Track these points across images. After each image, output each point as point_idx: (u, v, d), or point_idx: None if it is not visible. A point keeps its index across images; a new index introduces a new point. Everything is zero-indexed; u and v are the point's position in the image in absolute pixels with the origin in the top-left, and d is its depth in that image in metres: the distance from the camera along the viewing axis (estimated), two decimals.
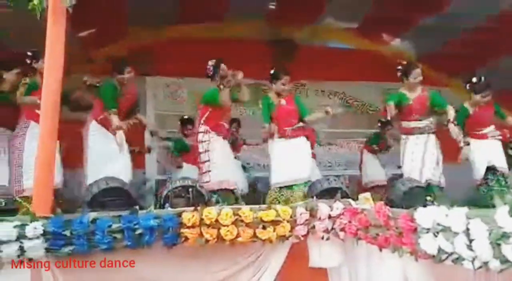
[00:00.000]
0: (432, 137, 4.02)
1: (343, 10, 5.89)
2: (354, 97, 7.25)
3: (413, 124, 4.03)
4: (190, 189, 2.97)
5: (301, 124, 3.99)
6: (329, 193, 3.03)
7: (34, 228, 2.24)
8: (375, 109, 7.08)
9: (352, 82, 6.96)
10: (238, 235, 2.61)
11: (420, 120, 4.02)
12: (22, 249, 2.23)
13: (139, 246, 2.44)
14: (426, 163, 3.89)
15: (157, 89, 7.13)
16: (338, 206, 2.76)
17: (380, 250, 2.52)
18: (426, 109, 4.05)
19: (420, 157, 3.92)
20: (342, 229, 2.75)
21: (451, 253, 1.93)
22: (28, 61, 3.59)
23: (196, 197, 2.96)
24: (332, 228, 2.76)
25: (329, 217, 2.76)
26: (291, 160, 3.86)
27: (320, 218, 2.74)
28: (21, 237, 2.22)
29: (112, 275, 2.46)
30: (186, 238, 2.54)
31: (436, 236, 2.00)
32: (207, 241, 2.58)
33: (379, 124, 5.93)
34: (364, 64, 6.48)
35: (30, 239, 2.23)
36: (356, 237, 2.67)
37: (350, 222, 2.71)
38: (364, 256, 2.79)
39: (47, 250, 2.29)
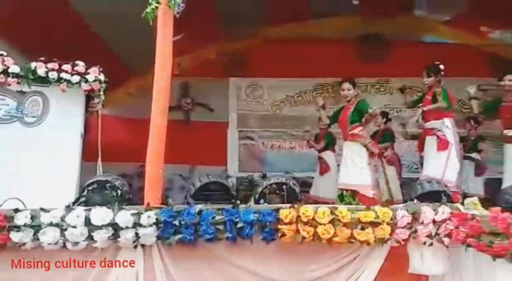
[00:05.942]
0: None
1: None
2: None
3: None
4: (284, 186, 3.00)
5: None
6: (430, 197, 2.85)
7: (148, 217, 2.43)
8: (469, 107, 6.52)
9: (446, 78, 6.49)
10: (335, 235, 2.58)
11: None
12: (137, 236, 2.43)
13: (239, 239, 2.52)
14: None
15: (239, 90, 7.35)
16: (444, 210, 2.59)
17: (494, 259, 2.34)
18: None
19: None
20: (448, 235, 2.59)
21: None
22: None
23: (290, 194, 2.98)
24: (437, 234, 2.60)
25: (433, 221, 2.60)
26: None
27: (423, 222, 2.59)
28: (136, 224, 2.42)
29: (213, 263, 2.59)
30: (284, 234, 2.58)
31: None
32: (303, 238, 2.59)
33: None
34: (459, 59, 5.98)
35: (144, 226, 2.42)
36: (464, 245, 2.48)
37: (457, 227, 2.53)
38: (471, 265, 2.60)
39: (158, 237, 2.47)
